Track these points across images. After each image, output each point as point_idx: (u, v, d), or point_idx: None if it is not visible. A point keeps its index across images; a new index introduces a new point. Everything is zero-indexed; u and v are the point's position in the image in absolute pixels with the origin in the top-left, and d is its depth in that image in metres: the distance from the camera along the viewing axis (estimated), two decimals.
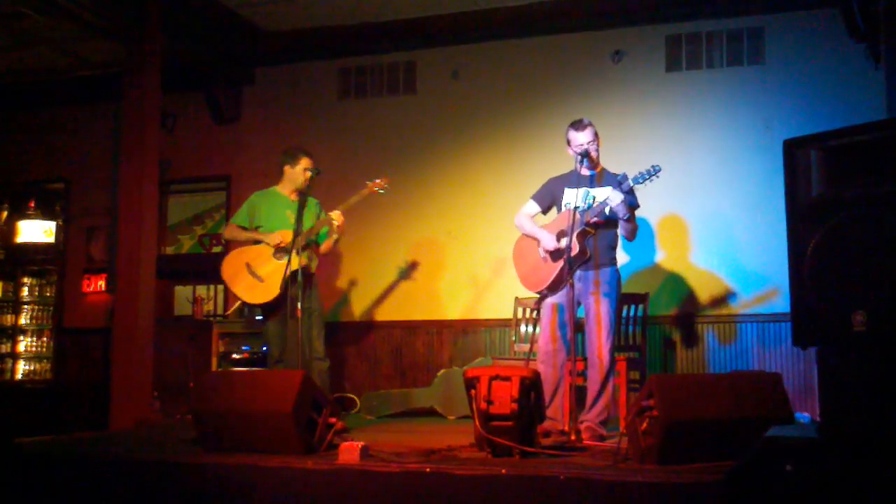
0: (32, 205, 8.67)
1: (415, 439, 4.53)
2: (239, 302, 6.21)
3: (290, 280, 5.17)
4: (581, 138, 4.76)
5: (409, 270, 7.36)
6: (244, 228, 5.61)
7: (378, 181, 5.58)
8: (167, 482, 3.67)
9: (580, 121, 4.81)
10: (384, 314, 7.38)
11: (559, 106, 6.85)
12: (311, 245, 5.51)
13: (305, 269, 5.34)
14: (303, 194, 5.46)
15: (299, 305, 5.05)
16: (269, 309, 5.43)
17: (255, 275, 5.41)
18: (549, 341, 4.74)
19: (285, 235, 5.39)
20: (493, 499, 3.21)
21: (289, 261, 5.15)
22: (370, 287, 7.43)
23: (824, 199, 3.16)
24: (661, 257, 6.73)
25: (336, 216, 5.41)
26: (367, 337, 7.37)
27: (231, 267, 5.51)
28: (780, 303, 6.22)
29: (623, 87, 6.96)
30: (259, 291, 5.39)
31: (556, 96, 7.05)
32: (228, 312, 7.40)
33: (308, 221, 5.43)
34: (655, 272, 6.68)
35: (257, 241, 5.51)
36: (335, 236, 5.52)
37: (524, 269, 4.98)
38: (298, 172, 5.56)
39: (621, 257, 5.57)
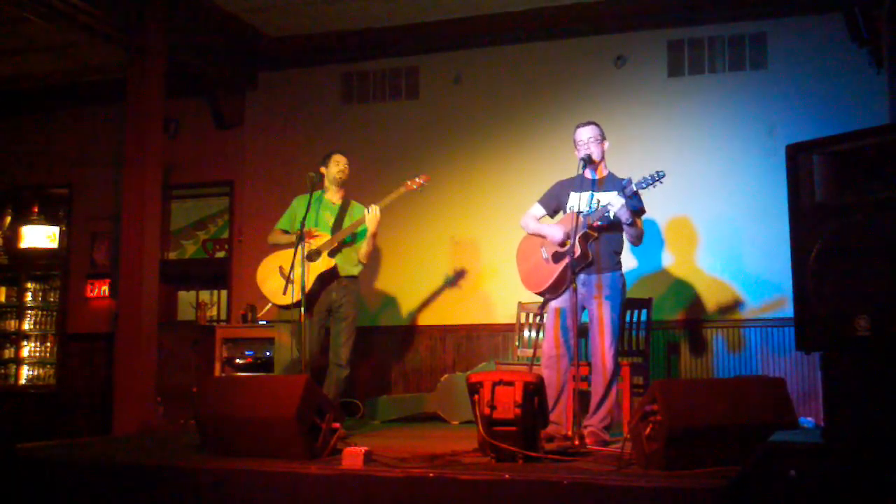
0: (36, 210, 8.70)
1: (418, 444, 4.53)
2: (269, 306, 6.05)
3: (319, 281, 5.30)
4: (582, 134, 4.81)
5: (411, 275, 7.35)
6: (286, 232, 5.64)
7: (417, 179, 5.60)
8: (170, 487, 3.67)
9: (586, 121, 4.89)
10: (387, 319, 7.37)
11: (562, 111, 6.86)
12: (344, 247, 5.53)
13: (333, 271, 5.41)
14: (308, 196, 5.46)
15: (302, 310, 5.04)
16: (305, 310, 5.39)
17: (287, 277, 5.42)
18: (552, 346, 4.73)
19: (321, 236, 5.44)
20: None
21: (293, 264, 5.12)
22: (372, 292, 7.42)
23: (827, 203, 3.16)
24: (667, 262, 6.72)
25: (372, 209, 5.44)
26: (371, 341, 7.34)
27: (265, 269, 5.59)
28: (786, 308, 6.21)
29: (626, 92, 6.96)
30: (286, 293, 5.39)
31: (559, 101, 7.05)
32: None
33: (346, 224, 5.52)
34: (661, 277, 6.67)
35: None
36: (371, 232, 5.52)
37: (526, 269, 4.98)
38: (333, 172, 5.62)
39: (628, 262, 5.56)
